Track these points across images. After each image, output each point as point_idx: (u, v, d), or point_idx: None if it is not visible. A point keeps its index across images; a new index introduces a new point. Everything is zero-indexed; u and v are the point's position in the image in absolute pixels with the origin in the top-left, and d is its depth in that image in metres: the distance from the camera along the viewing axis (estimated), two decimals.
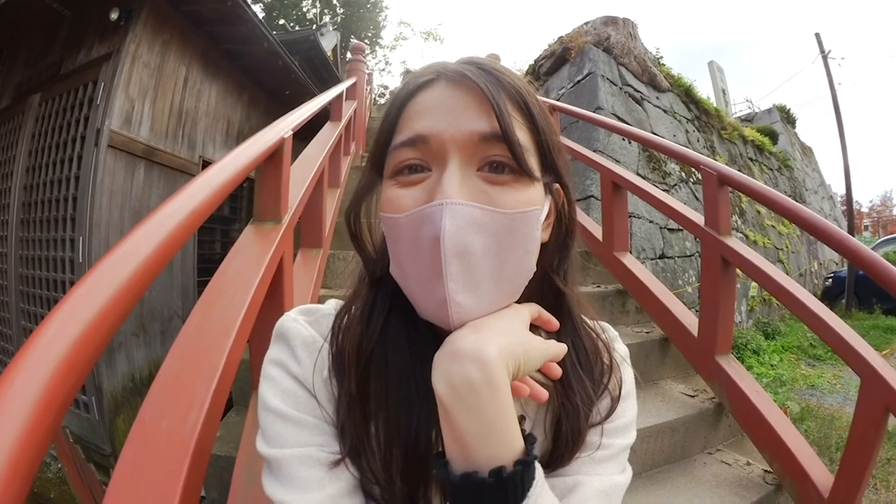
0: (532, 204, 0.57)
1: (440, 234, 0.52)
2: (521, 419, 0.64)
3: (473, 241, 0.54)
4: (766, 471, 2.32)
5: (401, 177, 0.59)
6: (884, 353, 5.94)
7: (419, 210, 0.55)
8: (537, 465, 0.52)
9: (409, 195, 0.57)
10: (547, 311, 0.65)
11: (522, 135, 0.57)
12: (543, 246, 0.64)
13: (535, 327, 0.64)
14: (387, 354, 0.61)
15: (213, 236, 6.53)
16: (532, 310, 0.62)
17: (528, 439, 0.53)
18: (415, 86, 0.60)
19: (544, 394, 0.58)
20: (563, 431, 0.64)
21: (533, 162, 0.58)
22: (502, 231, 0.55)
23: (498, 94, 0.56)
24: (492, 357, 0.50)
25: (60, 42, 5.15)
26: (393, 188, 0.59)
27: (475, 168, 0.56)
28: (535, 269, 0.60)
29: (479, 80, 0.56)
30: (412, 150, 0.57)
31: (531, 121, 0.59)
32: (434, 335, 0.61)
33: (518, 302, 0.61)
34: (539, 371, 0.60)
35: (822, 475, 2.02)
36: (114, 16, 4.62)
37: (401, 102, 0.61)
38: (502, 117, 0.55)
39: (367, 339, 0.62)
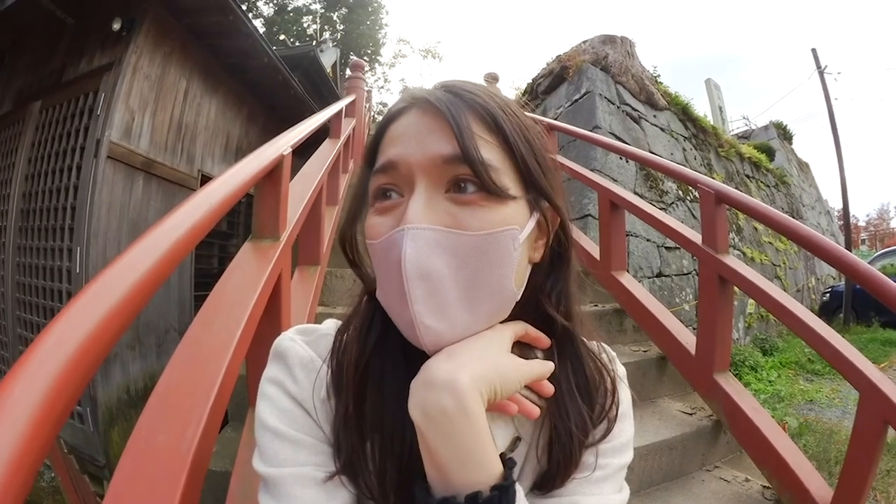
0: (505, 224, 0.57)
1: (402, 258, 0.53)
2: (517, 440, 0.64)
3: (436, 264, 0.54)
4: (764, 486, 2.31)
5: (378, 203, 0.60)
6: (882, 366, 5.94)
7: (388, 236, 0.56)
8: (518, 489, 0.52)
9: (384, 222, 0.58)
10: (542, 331, 0.65)
11: (491, 153, 0.57)
12: (536, 266, 0.64)
13: (529, 346, 0.65)
14: (383, 369, 0.62)
15: (211, 251, 6.54)
16: (516, 328, 0.62)
17: (507, 464, 0.53)
18: (390, 115, 0.63)
19: (535, 411, 0.59)
20: (556, 453, 0.63)
21: (506, 180, 0.58)
22: (470, 253, 0.55)
23: (459, 115, 0.56)
24: (464, 385, 0.51)
25: (63, 50, 5.20)
26: (372, 215, 0.61)
27: (443, 190, 0.57)
28: (515, 289, 0.60)
29: (442, 103, 0.57)
30: (384, 175, 0.59)
31: (503, 138, 0.59)
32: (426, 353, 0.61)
33: (509, 320, 0.62)
34: (531, 390, 0.61)
35: (820, 489, 2.02)
36: (116, 26, 4.65)
37: (379, 132, 0.63)
38: (461, 137, 0.55)
39: (364, 352, 0.63)
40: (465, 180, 0.56)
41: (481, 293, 0.57)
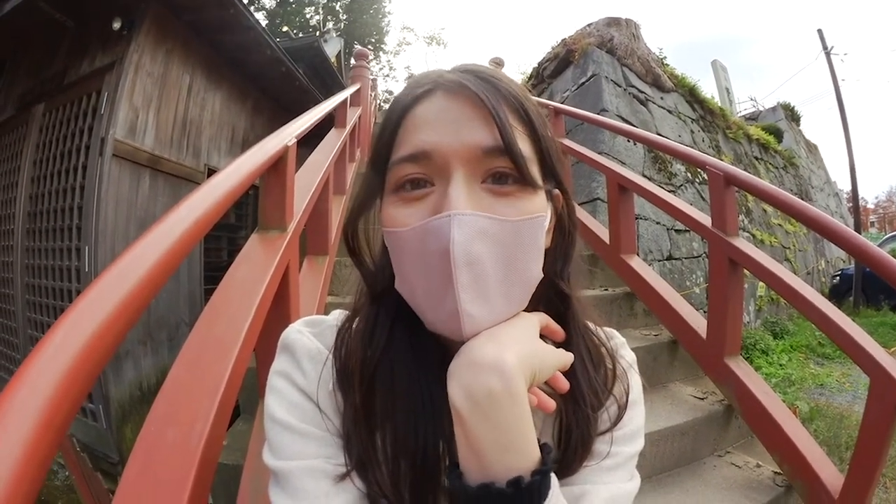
0: (536, 212, 0.57)
1: (450, 245, 0.52)
2: None
3: (482, 250, 0.54)
4: (776, 472, 2.30)
5: (403, 192, 0.58)
6: (892, 350, 5.89)
7: (426, 223, 0.55)
8: (552, 474, 0.51)
9: (413, 211, 0.57)
10: (553, 317, 0.64)
11: (524, 145, 0.57)
12: (546, 252, 0.64)
13: (542, 337, 0.64)
14: (392, 368, 0.61)
15: (220, 244, 6.57)
16: (541, 318, 0.62)
17: (544, 449, 0.52)
18: (412, 97, 0.60)
19: (552, 404, 0.57)
20: (573, 440, 0.63)
21: (535, 170, 0.58)
22: (509, 239, 0.55)
23: (498, 105, 0.56)
24: (511, 366, 0.50)
25: (63, 52, 5.21)
26: (396, 204, 0.59)
27: (479, 180, 0.56)
28: (541, 275, 0.60)
29: (478, 89, 0.56)
30: (414, 165, 0.57)
31: (531, 129, 0.59)
32: (439, 347, 0.61)
33: (525, 310, 0.61)
34: (545, 382, 0.60)
35: (831, 475, 2.01)
36: (116, 25, 4.66)
37: (398, 115, 0.60)
38: (505, 130, 0.54)
39: (371, 355, 0.62)
40: (505, 172, 0.56)
41: (516, 279, 0.57)
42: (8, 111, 5.62)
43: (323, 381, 0.62)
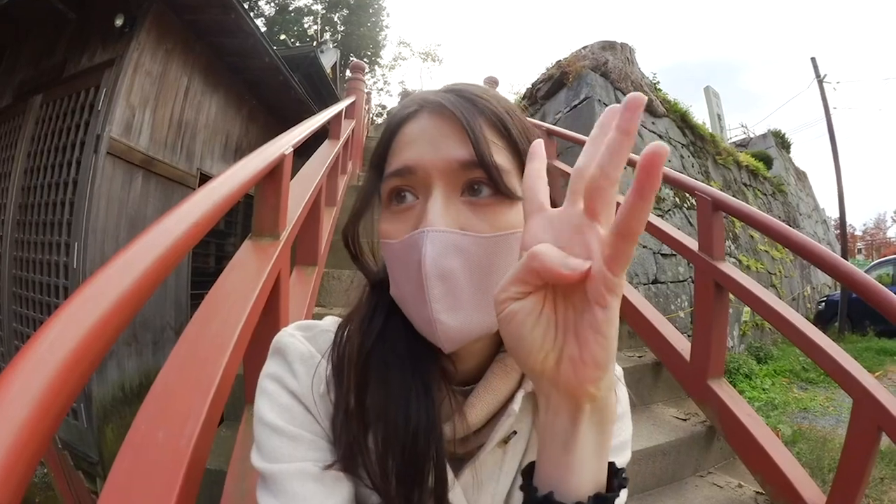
0: (513, 226, 0.59)
1: (422, 259, 0.55)
2: (512, 434, 0.65)
3: (453, 264, 0.56)
4: (757, 492, 2.32)
5: (393, 206, 0.62)
6: (877, 374, 5.94)
7: (407, 237, 0.58)
8: None
9: (400, 224, 0.60)
10: None
11: (502, 157, 0.59)
12: None
13: None
14: (386, 357, 0.63)
15: (208, 250, 6.53)
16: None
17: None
18: (401, 118, 0.64)
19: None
20: None
21: (515, 182, 0.60)
22: (482, 254, 0.57)
23: (474, 121, 0.58)
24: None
25: (64, 44, 5.19)
26: (388, 217, 0.62)
27: (459, 193, 0.59)
28: None
29: (456, 108, 0.59)
30: (401, 179, 0.60)
31: (511, 142, 0.61)
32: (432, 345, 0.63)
33: None
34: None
35: (814, 495, 2.04)
36: (118, 22, 4.67)
37: (389, 134, 0.64)
38: (478, 144, 0.57)
39: (366, 341, 0.64)
40: (480, 184, 0.59)
41: (492, 291, 0.57)
42: (6, 99, 5.56)
43: (315, 384, 0.63)
